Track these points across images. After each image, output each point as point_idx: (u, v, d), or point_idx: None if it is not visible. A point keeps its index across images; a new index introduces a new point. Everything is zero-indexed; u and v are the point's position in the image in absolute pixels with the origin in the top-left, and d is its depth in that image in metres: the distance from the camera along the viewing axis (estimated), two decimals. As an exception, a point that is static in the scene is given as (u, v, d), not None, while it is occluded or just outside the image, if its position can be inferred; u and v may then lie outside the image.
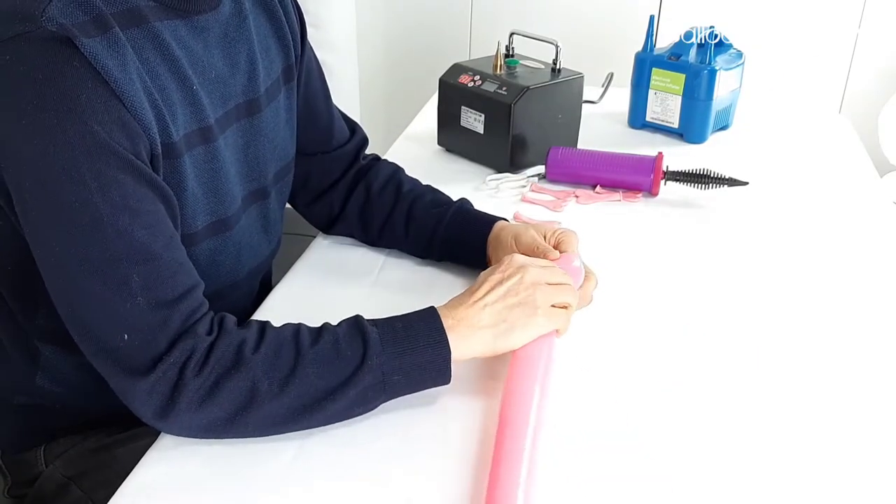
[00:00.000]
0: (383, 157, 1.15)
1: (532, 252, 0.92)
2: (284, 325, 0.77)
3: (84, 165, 0.68)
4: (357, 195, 1.08)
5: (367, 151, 1.13)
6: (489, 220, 1.01)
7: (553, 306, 0.82)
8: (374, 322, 0.77)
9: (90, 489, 0.89)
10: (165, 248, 0.72)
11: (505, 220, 1.02)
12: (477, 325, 0.79)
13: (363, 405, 0.75)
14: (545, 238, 0.96)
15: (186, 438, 0.75)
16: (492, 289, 0.81)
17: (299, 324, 0.77)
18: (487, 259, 1.00)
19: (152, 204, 0.72)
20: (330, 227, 1.12)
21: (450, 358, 0.76)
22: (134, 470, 0.72)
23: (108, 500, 0.69)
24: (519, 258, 0.85)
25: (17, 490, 0.97)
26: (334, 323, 0.78)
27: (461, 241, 1.02)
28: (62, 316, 0.73)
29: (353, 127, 1.12)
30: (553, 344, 0.83)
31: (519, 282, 0.81)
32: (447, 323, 0.77)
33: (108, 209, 0.69)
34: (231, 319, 0.76)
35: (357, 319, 0.77)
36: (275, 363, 0.72)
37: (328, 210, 1.10)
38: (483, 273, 0.84)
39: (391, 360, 0.74)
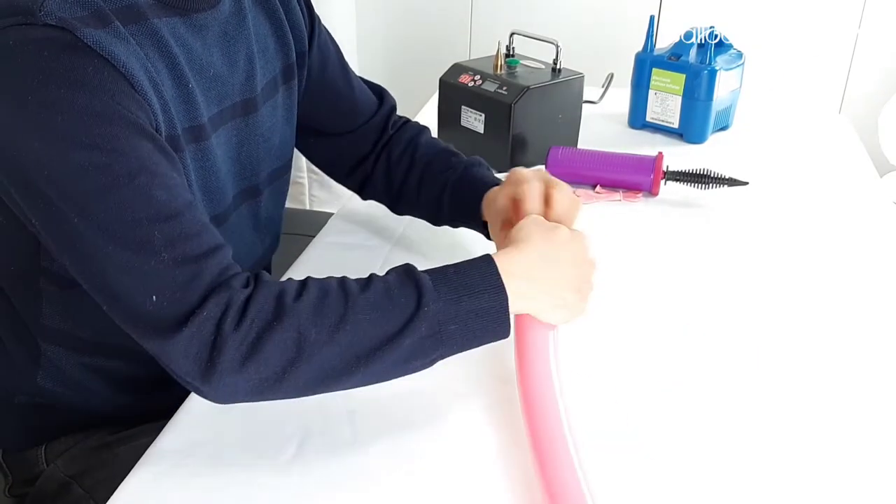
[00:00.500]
0: (412, 122, 1.13)
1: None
2: (327, 276, 0.73)
3: (95, 130, 0.66)
4: (382, 161, 1.08)
5: None
6: (487, 184, 0.99)
7: None
8: (426, 270, 0.74)
9: (91, 488, 0.89)
10: (186, 209, 0.70)
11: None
12: (546, 290, 0.77)
13: (420, 358, 0.71)
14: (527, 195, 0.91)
15: (187, 437, 0.75)
16: (570, 266, 0.79)
17: (343, 276, 0.74)
18: (490, 223, 0.97)
19: (168, 169, 0.70)
20: (362, 192, 1.13)
21: (507, 306, 0.73)
22: (134, 468, 0.73)
23: (109, 499, 0.69)
24: (592, 249, 0.83)
25: (19, 489, 0.97)
26: None
27: (463, 206, 1.00)
28: (90, 291, 0.70)
29: (380, 93, 1.11)
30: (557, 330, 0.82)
31: (587, 278, 0.81)
32: (515, 270, 0.75)
33: (124, 170, 0.67)
34: (267, 274, 0.72)
35: (408, 267, 0.74)
36: (322, 310, 0.68)
37: (362, 177, 1.10)
38: (557, 237, 0.80)
39: (447, 307, 0.71)
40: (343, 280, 0.72)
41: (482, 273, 0.73)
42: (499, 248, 0.93)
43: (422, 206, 1.06)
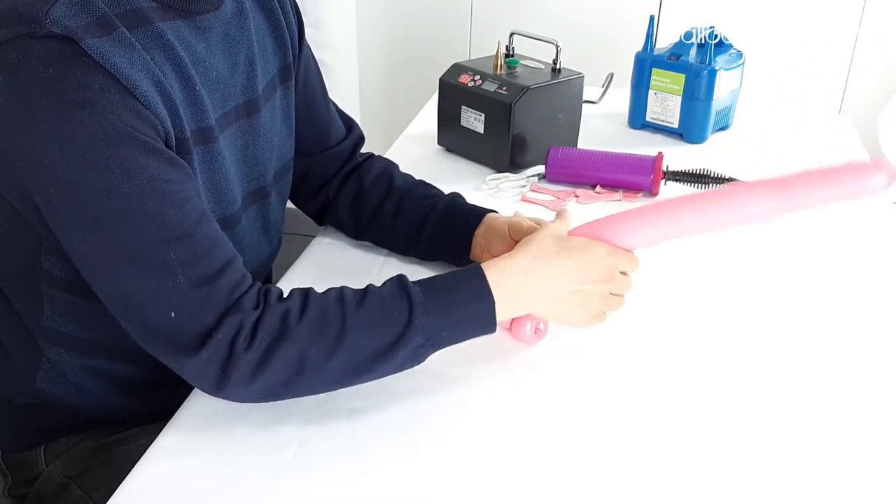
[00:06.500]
0: (380, 156, 1.15)
1: None
2: (328, 289, 0.78)
3: (106, 153, 0.68)
4: (349, 187, 1.08)
5: (365, 150, 1.13)
6: (479, 213, 1.01)
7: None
8: (418, 281, 0.78)
9: (90, 488, 0.89)
10: (198, 225, 0.73)
11: (495, 212, 1.02)
12: (539, 295, 0.82)
13: (413, 360, 0.77)
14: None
15: (187, 437, 0.75)
16: (581, 281, 0.82)
17: (342, 287, 0.78)
18: (475, 250, 0.98)
19: (179, 183, 0.73)
20: (321, 217, 1.12)
21: (494, 311, 0.77)
22: (134, 469, 0.73)
23: (108, 500, 0.69)
24: (608, 262, 0.83)
25: (18, 490, 0.97)
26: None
27: (449, 233, 1.01)
28: (107, 305, 0.73)
29: (349, 124, 1.12)
30: None
31: (594, 293, 0.83)
32: (516, 283, 0.79)
33: (136, 194, 0.69)
34: (275, 292, 0.76)
35: (400, 279, 0.78)
36: (321, 329, 0.73)
37: (322, 202, 1.10)
38: (572, 244, 0.83)
39: (437, 319, 0.75)
40: (342, 295, 0.76)
41: (470, 282, 0.78)
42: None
43: (397, 233, 1.05)
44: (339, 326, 0.73)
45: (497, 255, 0.94)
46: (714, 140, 1.50)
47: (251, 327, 0.72)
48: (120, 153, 0.68)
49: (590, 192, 1.28)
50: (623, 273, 0.85)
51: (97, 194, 0.68)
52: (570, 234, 0.86)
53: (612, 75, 1.54)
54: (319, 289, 1.00)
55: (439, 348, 0.77)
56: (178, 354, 0.71)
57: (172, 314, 0.71)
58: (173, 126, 0.75)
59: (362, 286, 1.00)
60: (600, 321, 0.86)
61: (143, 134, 0.70)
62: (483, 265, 0.80)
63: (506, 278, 0.79)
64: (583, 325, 0.86)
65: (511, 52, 1.41)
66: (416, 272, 1.04)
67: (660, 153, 1.27)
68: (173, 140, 0.75)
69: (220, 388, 0.72)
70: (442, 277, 0.79)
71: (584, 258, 0.82)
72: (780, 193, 0.80)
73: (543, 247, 0.82)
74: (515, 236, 0.93)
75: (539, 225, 0.93)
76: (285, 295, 0.77)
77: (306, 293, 0.76)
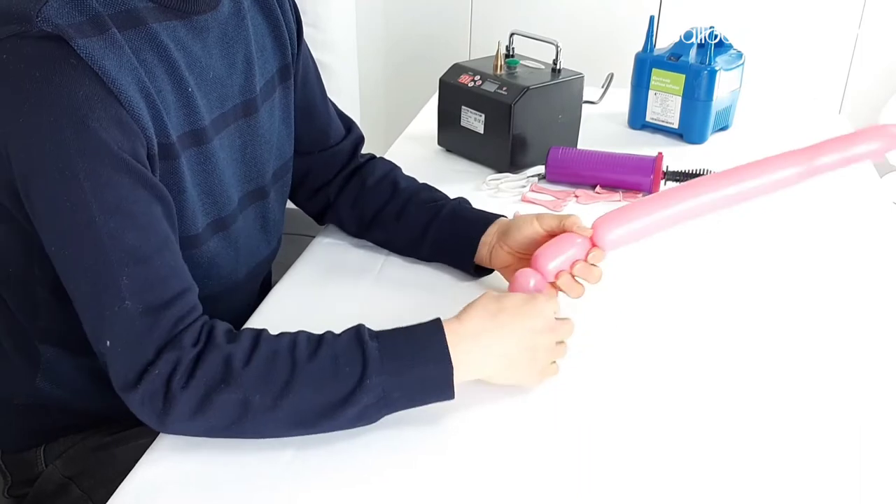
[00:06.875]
0: (383, 157, 1.15)
1: (562, 229, 0.90)
2: (281, 334, 0.75)
3: (79, 165, 0.68)
4: (351, 187, 1.08)
5: (366, 151, 1.13)
6: (487, 218, 1.00)
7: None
8: (377, 335, 0.75)
9: (90, 488, 0.89)
10: (158, 252, 0.72)
11: (504, 216, 1.01)
12: (493, 357, 0.78)
13: (365, 419, 0.74)
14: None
15: (186, 438, 0.75)
16: (529, 332, 0.79)
17: (298, 332, 0.76)
18: (482, 249, 0.98)
19: (147, 206, 0.72)
20: (322, 216, 1.12)
21: (452, 376, 0.75)
22: (133, 469, 0.73)
23: (107, 500, 0.70)
24: (549, 311, 0.81)
25: (18, 490, 0.97)
26: (336, 326, 0.77)
27: (453, 237, 1.01)
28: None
29: (349, 125, 1.12)
30: None
31: (543, 345, 0.80)
32: (461, 339, 0.76)
33: (100, 211, 0.69)
34: (221, 329, 0.74)
35: (358, 331, 0.75)
36: (267, 376, 0.71)
37: (323, 202, 1.10)
38: (511, 301, 0.80)
39: (391, 378, 0.73)
40: (295, 342, 0.74)
41: (430, 342, 0.75)
42: (503, 272, 0.97)
43: (399, 234, 1.05)
44: (288, 376, 0.71)
45: (514, 252, 0.95)
46: (714, 140, 1.50)
47: (189, 365, 0.70)
48: (92, 166, 0.68)
49: (590, 192, 1.28)
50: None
51: (63, 206, 0.69)
52: (596, 222, 0.87)
53: (612, 75, 1.54)
54: (320, 289, 1.01)
55: (393, 410, 0.74)
56: (120, 386, 0.71)
57: (108, 341, 0.70)
58: (156, 132, 0.75)
59: (362, 286, 1.01)
60: (553, 373, 0.82)
61: (120, 148, 0.70)
62: (453, 321, 0.77)
63: (459, 341, 0.76)
64: (533, 384, 0.82)
65: (511, 53, 1.41)
66: (418, 272, 1.04)
67: (660, 153, 1.27)
68: (156, 147, 0.75)
69: (160, 422, 0.71)
70: (403, 333, 0.76)
71: (527, 310, 0.79)
72: (804, 161, 0.95)
73: (488, 309, 0.79)
74: (546, 227, 0.92)
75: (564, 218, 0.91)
76: (236, 333, 0.75)
77: (258, 335, 0.74)
